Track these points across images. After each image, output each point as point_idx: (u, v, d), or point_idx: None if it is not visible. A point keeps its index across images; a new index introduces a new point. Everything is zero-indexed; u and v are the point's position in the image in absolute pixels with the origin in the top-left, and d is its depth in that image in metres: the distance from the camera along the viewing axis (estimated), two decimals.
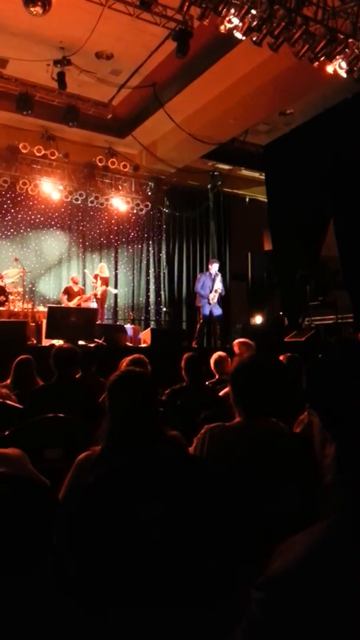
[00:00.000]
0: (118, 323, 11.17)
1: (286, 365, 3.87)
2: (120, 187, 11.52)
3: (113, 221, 12.11)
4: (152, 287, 12.65)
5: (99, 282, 9.92)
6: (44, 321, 7.82)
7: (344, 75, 6.86)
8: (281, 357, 4.03)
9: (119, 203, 11.58)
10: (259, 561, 0.76)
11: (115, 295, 11.81)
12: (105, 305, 10.70)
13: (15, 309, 8.92)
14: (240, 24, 6.14)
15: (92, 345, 6.92)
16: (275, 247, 11.28)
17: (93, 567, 1.25)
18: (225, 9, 5.97)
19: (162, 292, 12.68)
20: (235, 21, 6.10)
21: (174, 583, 1.25)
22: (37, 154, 10.10)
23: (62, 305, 9.25)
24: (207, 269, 9.51)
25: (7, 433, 2.23)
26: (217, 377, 4.45)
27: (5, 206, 10.76)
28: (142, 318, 12.22)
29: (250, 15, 6.05)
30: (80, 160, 10.88)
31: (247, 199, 13.34)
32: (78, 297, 9.49)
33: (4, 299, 8.53)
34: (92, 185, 11.16)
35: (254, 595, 0.70)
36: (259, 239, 13.27)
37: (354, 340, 0.93)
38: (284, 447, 1.82)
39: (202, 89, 8.49)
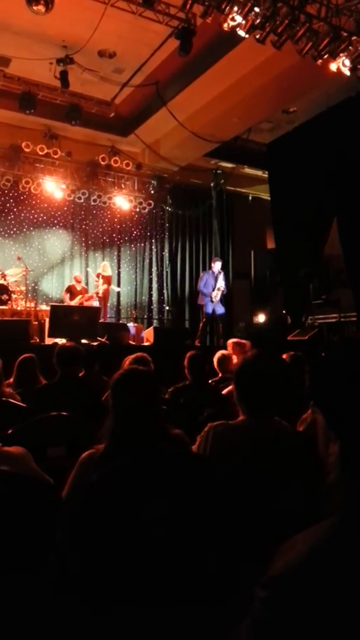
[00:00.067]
0: (121, 322, 11.18)
1: (289, 363, 3.86)
2: (123, 186, 11.52)
3: (116, 220, 12.12)
4: (154, 285, 12.65)
5: (101, 280, 9.94)
6: (47, 320, 7.83)
7: (348, 73, 6.84)
8: (284, 356, 4.02)
9: (122, 201, 11.58)
10: (263, 560, 0.75)
11: (118, 294, 11.82)
12: (108, 304, 10.71)
13: (18, 308, 8.94)
14: (244, 22, 6.13)
15: (95, 343, 6.92)
16: (278, 245, 11.27)
17: (96, 565, 1.26)
18: (228, 7, 5.96)
19: (164, 291, 12.67)
20: (239, 19, 6.09)
21: (177, 581, 1.25)
22: (40, 153, 10.11)
23: (65, 304, 9.26)
24: (210, 268, 9.51)
25: (10, 431, 2.23)
26: (220, 375, 4.45)
27: (8, 205, 10.77)
28: (145, 316, 12.21)
29: (253, 13, 6.03)
30: (83, 158, 10.88)
31: (250, 197, 13.31)
32: (80, 296, 9.51)
33: (7, 297, 8.54)
34: (95, 184, 11.17)
35: (258, 593, 0.70)
36: (262, 237, 13.25)
37: (357, 339, 0.93)
38: (288, 446, 1.82)
39: (205, 87, 8.48)
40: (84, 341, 6.86)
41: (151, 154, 11.02)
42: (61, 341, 6.36)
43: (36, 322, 8.22)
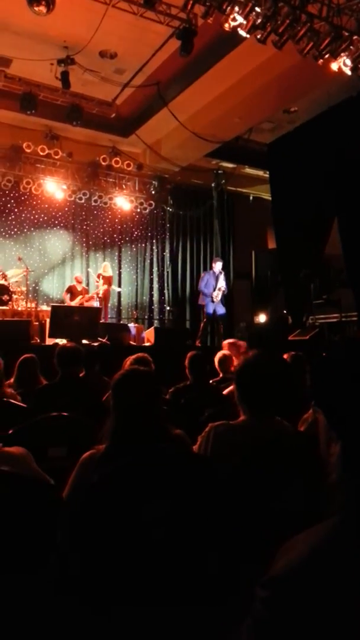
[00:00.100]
0: (121, 322, 11.18)
1: (290, 364, 3.86)
2: (124, 186, 11.53)
3: (117, 220, 12.12)
4: (155, 286, 12.65)
5: (101, 281, 9.94)
6: (48, 320, 7.83)
7: (349, 72, 6.84)
8: (285, 356, 4.02)
9: (123, 202, 11.59)
10: (264, 560, 0.75)
11: (119, 294, 11.83)
12: (109, 304, 10.72)
13: (19, 308, 8.94)
14: (245, 22, 6.13)
15: (95, 344, 6.93)
16: (279, 245, 11.26)
17: (97, 565, 1.26)
18: (229, 7, 5.96)
19: (165, 291, 12.68)
20: (240, 19, 6.09)
21: (178, 582, 1.25)
22: (41, 154, 10.12)
23: (65, 304, 9.27)
24: (211, 268, 9.51)
25: (11, 432, 2.24)
26: (221, 375, 4.45)
27: (9, 205, 10.78)
28: (146, 317, 12.22)
29: (254, 13, 6.04)
30: (84, 159, 10.89)
31: (251, 197, 13.31)
32: (80, 297, 9.52)
33: (8, 298, 8.55)
34: (96, 185, 11.18)
35: (259, 593, 0.70)
36: (263, 238, 13.25)
37: (358, 339, 0.93)
38: (289, 446, 1.82)
39: (206, 87, 8.48)
40: (84, 341, 6.86)
41: (152, 154, 11.02)
42: (62, 341, 6.36)
43: (37, 323, 8.23)
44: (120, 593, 1.23)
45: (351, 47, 6.61)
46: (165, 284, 12.70)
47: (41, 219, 11.18)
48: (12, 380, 3.84)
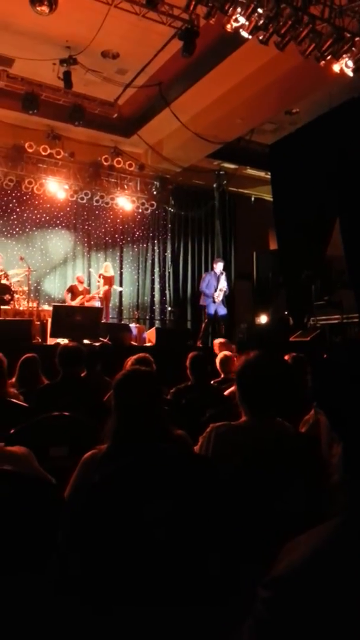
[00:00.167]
0: (123, 322, 11.19)
1: (291, 365, 3.86)
2: (125, 187, 11.53)
3: (118, 220, 12.13)
4: (157, 286, 12.65)
5: (102, 281, 9.95)
6: (49, 320, 7.84)
7: (351, 74, 6.84)
8: (286, 357, 4.02)
9: (124, 202, 11.59)
10: (265, 560, 0.76)
11: (120, 294, 11.83)
12: (110, 304, 10.72)
13: (21, 308, 8.95)
14: (247, 23, 6.14)
15: (97, 344, 6.93)
16: (280, 246, 11.26)
17: (98, 565, 1.26)
18: (231, 8, 5.97)
19: (167, 292, 12.68)
20: (242, 20, 6.10)
21: (179, 582, 1.25)
22: (43, 153, 10.13)
23: (66, 303, 9.28)
24: (212, 268, 9.52)
25: (13, 431, 2.24)
26: (222, 376, 4.45)
27: (10, 205, 10.79)
28: (147, 317, 12.23)
29: (256, 14, 6.04)
30: (86, 159, 10.90)
31: (252, 198, 13.31)
32: (81, 297, 9.53)
33: (10, 297, 8.56)
34: (98, 185, 11.18)
35: (261, 594, 0.70)
36: (265, 238, 13.25)
37: None
38: (290, 447, 1.82)
39: (208, 88, 8.48)
40: (86, 341, 6.86)
41: (154, 154, 11.03)
42: (63, 341, 6.37)
43: (38, 322, 8.24)
44: (121, 593, 1.23)
45: (353, 48, 6.61)
46: (167, 285, 12.70)
47: (43, 219, 11.19)
48: (13, 379, 3.84)
